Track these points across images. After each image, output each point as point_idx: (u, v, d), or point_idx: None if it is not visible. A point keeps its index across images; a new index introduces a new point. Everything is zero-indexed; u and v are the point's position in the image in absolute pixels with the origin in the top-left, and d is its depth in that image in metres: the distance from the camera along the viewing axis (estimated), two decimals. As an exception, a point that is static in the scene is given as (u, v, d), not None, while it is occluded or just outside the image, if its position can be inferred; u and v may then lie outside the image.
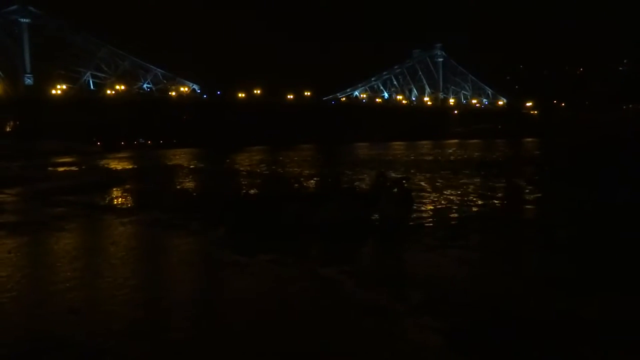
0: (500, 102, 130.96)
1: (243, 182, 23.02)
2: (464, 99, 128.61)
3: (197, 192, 19.58)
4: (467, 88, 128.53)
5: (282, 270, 7.95)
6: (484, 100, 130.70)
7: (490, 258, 8.97)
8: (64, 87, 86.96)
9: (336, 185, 13.48)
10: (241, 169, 33.62)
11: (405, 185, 12.38)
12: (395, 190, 11.73)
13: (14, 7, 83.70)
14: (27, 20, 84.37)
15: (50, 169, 33.29)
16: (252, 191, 14.10)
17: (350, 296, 6.66)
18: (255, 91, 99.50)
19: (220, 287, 7.49)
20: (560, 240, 10.07)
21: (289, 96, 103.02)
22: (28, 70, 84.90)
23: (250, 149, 64.99)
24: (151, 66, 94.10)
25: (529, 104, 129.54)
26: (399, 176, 17.15)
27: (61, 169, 33.71)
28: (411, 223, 11.62)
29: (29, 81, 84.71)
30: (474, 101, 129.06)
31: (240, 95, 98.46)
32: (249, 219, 11.16)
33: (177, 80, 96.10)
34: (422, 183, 21.22)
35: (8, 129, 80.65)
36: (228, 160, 42.73)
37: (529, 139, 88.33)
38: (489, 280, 7.47)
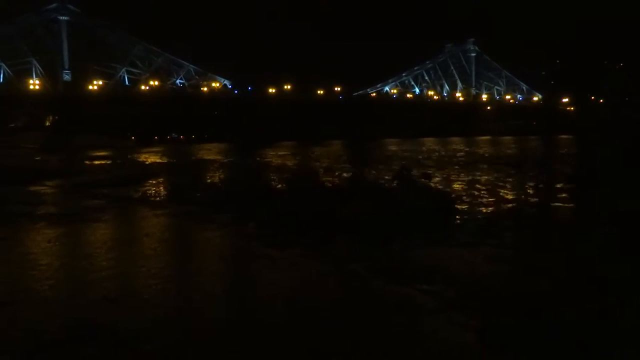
0: (535, 98, 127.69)
1: (273, 177, 23.16)
2: (498, 95, 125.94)
3: (228, 186, 19.80)
4: (501, 83, 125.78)
5: (311, 264, 7.98)
6: (519, 96, 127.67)
7: (519, 254, 8.78)
8: (100, 82, 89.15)
9: (362, 180, 13.44)
10: (271, 163, 33.85)
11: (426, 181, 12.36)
12: (417, 185, 11.74)
13: (54, 5, 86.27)
14: (66, 18, 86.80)
15: (86, 162, 34.25)
16: (281, 185, 14.19)
17: (378, 291, 6.63)
18: (285, 87, 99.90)
19: (251, 279, 7.58)
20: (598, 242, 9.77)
21: (319, 92, 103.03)
22: (66, 66, 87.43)
23: (280, 144, 65.31)
24: (184, 62, 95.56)
25: (565, 100, 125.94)
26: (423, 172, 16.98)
27: (97, 162, 34.64)
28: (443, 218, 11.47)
29: (67, 77, 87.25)
30: (508, 97, 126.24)
31: (270, 90, 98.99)
32: (279, 213, 11.24)
33: (209, 75, 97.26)
34: (457, 181, 20.92)
35: (47, 124, 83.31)
36: (258, 155, 43.07)
37: (564, 136, 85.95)
38: (517, 278, 7.32)
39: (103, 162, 35.39)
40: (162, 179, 22.83)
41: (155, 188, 19.86)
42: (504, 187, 18.69)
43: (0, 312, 5.87)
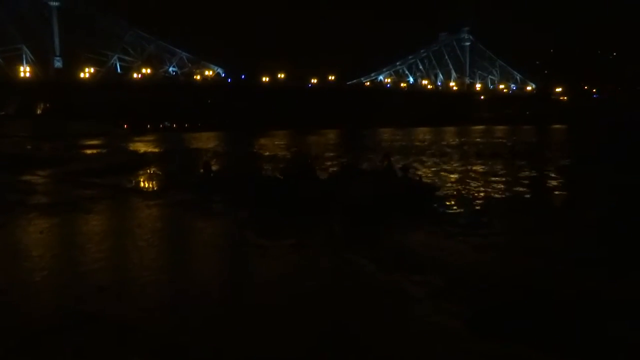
0: (529, 88, 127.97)
1: (266, 165, 23.17)
2: (491, 84, 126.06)
3: (221, 175, 19.79)
4: (495, 73, 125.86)
5: (303, 252, 8.04)
6: (512, 85, 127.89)
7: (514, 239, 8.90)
8: (92, 70, 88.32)
9: (352, 168, 13.58)
10: (265, 151, 33.82)
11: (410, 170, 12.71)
12: (401, 173, 12.02)
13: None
14: (56, 4, 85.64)
15: (78, 150, 34.08)
16: (274, 173, 14.24)
17: (372, 280, 6.71)
18: (279, 75, 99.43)
19: (244, 269, 7.62)
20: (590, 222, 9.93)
21: (312, 80, 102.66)
22: (57, 53, 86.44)
23: (274, 133, 65.20)
24: (177, 50, 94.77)
25: (558, 90, 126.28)
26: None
27: (89, 151, 34.47)
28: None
29: (58, 64, 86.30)
30: (502, 86, 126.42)
31: (264, 79, 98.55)
32: (272, 201, 11.31)
33: (202, 63, 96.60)
34: (449, 171, 21.04)
35: (39, 111, 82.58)
36: (252, 144, 42.99)
37: (558, 126, 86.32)
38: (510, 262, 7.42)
39: (95, 150, 35.22)
40: (155, 168, 22.78)
41: (148, 177, 19.82)
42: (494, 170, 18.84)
43: (-8, 302, 5.88)
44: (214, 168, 17.64)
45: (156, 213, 11.75)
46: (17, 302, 5.95)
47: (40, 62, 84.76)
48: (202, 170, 16.39)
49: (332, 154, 30.60)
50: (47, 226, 10.08)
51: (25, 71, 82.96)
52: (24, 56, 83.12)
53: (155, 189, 16.64)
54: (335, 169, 14.07)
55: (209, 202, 12.55)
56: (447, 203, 12.91)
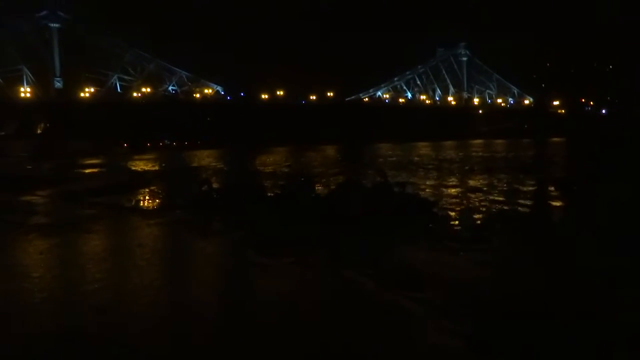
0: (527, 101, 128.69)
1: (266, 182, 23.20)
2: (489, 98, 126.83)
3: (221, 193, 19.82)
4: (492, 87, 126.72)
5: (304, 271, 8.03)
6: (510, 99, 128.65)
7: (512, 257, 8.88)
8: (92, 89, 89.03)
9: (349, 185, 13.61)
10: (264, 169, 33.88)
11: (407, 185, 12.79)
12: (397, 189, 12.07)
13: (44, 12, 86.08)
14: (56, 25, 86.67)
15: (78, 170, 34.08)
16: (273, 192, 14.27)
17: (372, 298, 6.69)
18: (278, 92, 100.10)
19: (244, 288, 7.61)
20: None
21: (311, 97, 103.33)
22: (58, 73, 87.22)
23: (274, 150, 65.38)
24: (176, 69, 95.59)
25: (556, 103, 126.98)
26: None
27: (89, 170, 34.47)
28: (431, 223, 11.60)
29: (58, 84, 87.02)
30: (499, 100, 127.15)
31: (263, 96, 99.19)
32: (271, 219, 11.31)
33: (201, 82, 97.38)
34: (451, 185, 21.08)
35: (39, 131, 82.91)
36: (251, 161, 43.08)
37: (556, 139, 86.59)
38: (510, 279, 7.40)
39: (95, 169, 35.21)
40: (155, 187, 22.80)
41: (148, 196, 19.85)
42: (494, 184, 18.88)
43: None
44: (214, 185, 17.66)
45: (156, 232, 11.75)
46: (16, 324, 5.93)
47: (40, 83, 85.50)
48: (202, 188, 16.41)
49: (330, 170, 30.66)
50: (47, 247, 10.08)
51: (25, 91, 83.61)
52: (24, 77, 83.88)
53: (155, 207, 16.65)
54: (333, 186, 14.10)
55: (209, 220, 12.56)
56: (446, 218, 12.90)
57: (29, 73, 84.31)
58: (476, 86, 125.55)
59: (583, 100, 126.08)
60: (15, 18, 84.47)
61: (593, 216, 13.19)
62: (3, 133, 78.05)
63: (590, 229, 11.12)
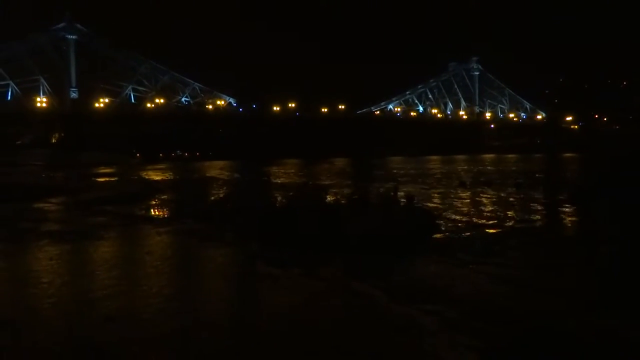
0: (539, 116, 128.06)
1: (277, 194, 23.19)
2: (501, 113, 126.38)
3: (232, 204, 19.83)
4: (505, 102, 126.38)
5: (314, 283, 7.94)
6: (522, 114, 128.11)
7: (523, 273, 8.71)
8: (107, 100, 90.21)
9: (358, 200, 13.50)
10: (275, 180, 33.90)
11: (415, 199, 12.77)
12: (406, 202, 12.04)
13: (62, 24, 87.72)
14: (74, 37, 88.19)
15: (91, 179, 34.41)
16: (284, 202, 14.20)
17: (383, 311, 6.58)
18: (290, 105, 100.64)
19: (252, 299, 7.53)
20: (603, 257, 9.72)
21: (323, 110, 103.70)
22: (74, 84, 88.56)
23: (284, 162, 65.52)
24: (189, 80, 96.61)
25: (569, 118, 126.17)
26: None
27: (102, 179, 34.80)
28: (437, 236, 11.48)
29: (74, 95, 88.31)
30: (512, 115, 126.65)
31: (275, 108, 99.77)
32: (281, 231, 11.23)
33: (214, 94, 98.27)
34: (461, 201, 20.89)
35: (54, 141, 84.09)
36: (263, 172, 43.18)
37: (569, 154, 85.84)
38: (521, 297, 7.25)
39: (108, 179, 35.54)
40: (166, 196, 22.90)
41: (160, 205, 19.92)
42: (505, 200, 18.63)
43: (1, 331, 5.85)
44: (224, 197, 17.68)
45: (166, 241, 11.74)
46: (25, 330, 5.90)
47: (56, 93, 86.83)
48: (213, 199, 16.43)
49: (341, 182, 30.57)
50: (58, 253, 10.11)
51: (41, 102, 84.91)
52: (41, 87, 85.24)
53: (166, 217, 16.69)
54: (343, 201, 13.99)
55: (219, 230, 12.53)
56: (455, 232, 12.73)
57: (46, 83, 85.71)
58: (488, 100, 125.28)
59: (597, 116, 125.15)
60: (34, 30, 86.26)
61: (605, 233, 13.00)
62: (19, 142, 79.25)
63: (605, 245, 10.94)
